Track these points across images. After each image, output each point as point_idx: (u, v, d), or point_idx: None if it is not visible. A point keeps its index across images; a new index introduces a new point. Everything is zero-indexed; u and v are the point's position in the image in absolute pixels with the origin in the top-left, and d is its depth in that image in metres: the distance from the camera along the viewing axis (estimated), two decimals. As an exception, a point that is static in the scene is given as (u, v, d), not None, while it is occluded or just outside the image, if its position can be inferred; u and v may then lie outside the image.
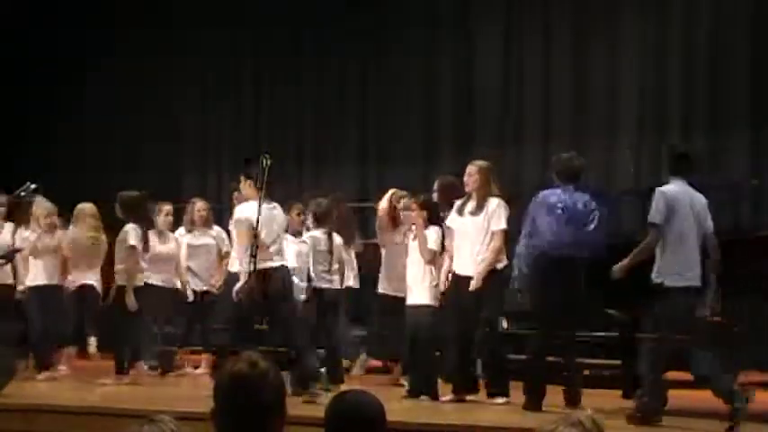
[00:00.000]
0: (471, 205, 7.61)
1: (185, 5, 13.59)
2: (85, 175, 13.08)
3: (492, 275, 7.45)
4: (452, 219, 7.73)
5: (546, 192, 7.34)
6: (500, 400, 7.45)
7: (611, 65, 11.67)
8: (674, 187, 6.65)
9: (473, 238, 7.53)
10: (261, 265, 7.66)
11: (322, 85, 13.07)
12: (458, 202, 7.74)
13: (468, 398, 7.59)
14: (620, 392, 7.52)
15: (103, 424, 6.61)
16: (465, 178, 7.64)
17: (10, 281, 9.64)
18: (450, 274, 7.71)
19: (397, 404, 7.22)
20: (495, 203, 7.55)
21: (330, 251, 8.62)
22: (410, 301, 8.01)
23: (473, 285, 7.42)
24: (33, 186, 9.30)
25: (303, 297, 8.46)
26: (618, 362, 7.98)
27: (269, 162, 8.23)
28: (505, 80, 12.21)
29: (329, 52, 12.85)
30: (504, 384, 7.53)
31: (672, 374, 8.98)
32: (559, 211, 7.16)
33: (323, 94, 13.07)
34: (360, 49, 12.83)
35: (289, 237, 8.38)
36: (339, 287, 8.86)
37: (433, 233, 7.90)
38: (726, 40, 11.11)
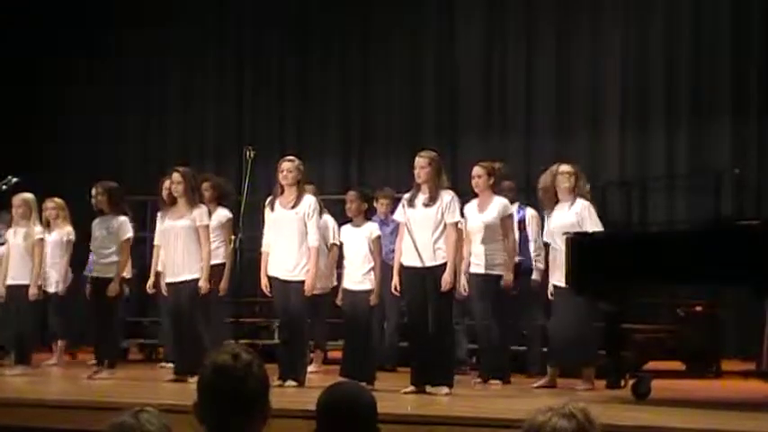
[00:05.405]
0: (423, 197, 7.58)
1: (175, 5, 13.48)
2: (69, 172, 12.81)
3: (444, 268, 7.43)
4: (402, 211, 7.67)
5: None
6: (443, 390, 7.35)
7: (594, 62, 11.68)
8: None
9: (425, 229, 7.50)
10: None
11: (305, 83, 13.00)
12: (407, 195, 7.72)
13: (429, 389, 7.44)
14: (603, 382, 7.51)
15: (86, 417, 6.56)
16: (416, 170, 7.58)
17: (111, 274, 8.78)
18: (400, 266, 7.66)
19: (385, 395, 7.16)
20: (449, 197, 7.54)
21: None
22: (348, 285, 8.07)
23: (446, 285, 7.36)
24: (15, 180, 9.21)
25: None
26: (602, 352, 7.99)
27: (253, 155, 8.20)
28: (488, 79, 12.18)
29: (313, 50, 12.81)
30: (448, 375, 7.49)
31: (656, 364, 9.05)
32: None
33: (306, 91, 12.99)
34: (344, 46, 12.78)
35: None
36: None
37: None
38: (707, 36, 11.20)
